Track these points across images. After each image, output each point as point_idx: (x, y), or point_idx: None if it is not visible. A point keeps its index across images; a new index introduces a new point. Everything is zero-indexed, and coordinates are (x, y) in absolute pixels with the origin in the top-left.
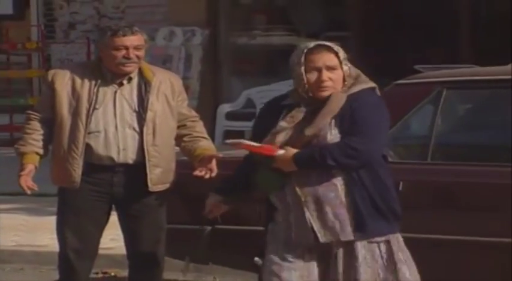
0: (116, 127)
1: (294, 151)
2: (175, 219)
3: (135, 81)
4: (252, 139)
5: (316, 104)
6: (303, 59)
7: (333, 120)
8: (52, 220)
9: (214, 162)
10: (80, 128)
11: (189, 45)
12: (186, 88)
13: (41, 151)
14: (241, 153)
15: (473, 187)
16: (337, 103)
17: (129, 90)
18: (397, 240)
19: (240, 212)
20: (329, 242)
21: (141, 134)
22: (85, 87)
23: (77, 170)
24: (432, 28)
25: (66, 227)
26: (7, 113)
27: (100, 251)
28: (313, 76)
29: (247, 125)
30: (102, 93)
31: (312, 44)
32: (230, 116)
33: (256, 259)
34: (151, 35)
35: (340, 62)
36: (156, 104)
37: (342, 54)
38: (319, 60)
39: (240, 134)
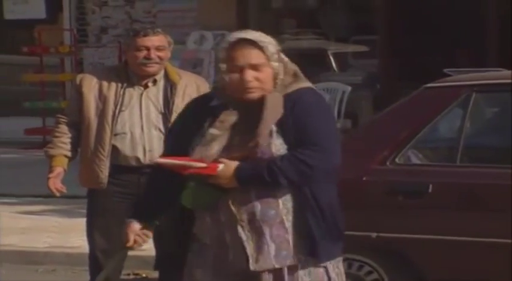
0: (142, 129)
1: (234, 165)
2: None
3: (161, 83)
4: (168, 147)
5: (248, 107)
6: (225, 55)
7: (274, 128)
8: (83, 221)
9: None
10: (106, 130)
11: (219, 50)
12: None
13: (70, 154)
14: None
15: (502, 189)
16: (277, 107)
17: (155, 92)
18: (341, 263)
19: None
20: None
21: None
22: (111, 89)
23: (104, 171)
24: (459, 31)
25: (95, 228)
26: (40, 116)
27: (131, 253)
28: (236, 76)
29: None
30: (129, 96)
31: (233, 38)
32: None
33: None
34: (182, 39)
35: (268, 58)
36: (182, 106)
37: (271, 48)
38: (240, 58)
39: None
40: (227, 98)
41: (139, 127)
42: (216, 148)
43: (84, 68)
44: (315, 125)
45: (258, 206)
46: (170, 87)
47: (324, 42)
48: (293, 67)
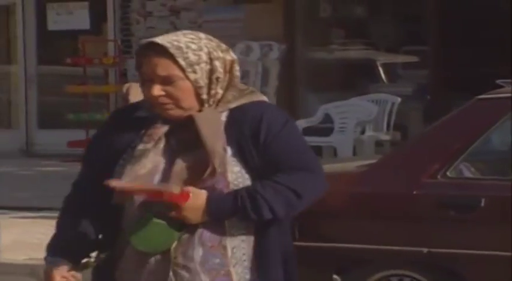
0: None
1: (205, 194)
2: None
3: None
4: (87, 166)
5: (179, 123)
6: (136, 62)
7: (230, 151)
8: None
9: None
10: None
11: (266, 60)
12: None
13: None
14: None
15: None
16: (214, 128)
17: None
18: None
19: (318, 228)
20: None
21: None
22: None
23: None
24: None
25: None
26: (83, 129)
27: None
28: (146, 89)
29: (324, 141)
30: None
31: (143, 41)
32: (307, 131)
33: (334, 276)
34: None
35: (183, 70)
36: None
37: (191, 57)
38: (146, 68)
39: (317, 150)
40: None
41: None
42: (148, 165)
43: (128, 79)
44: (295, 145)
45: (198, 250)
46: None
47: (373, 53)
48: (236, 82)
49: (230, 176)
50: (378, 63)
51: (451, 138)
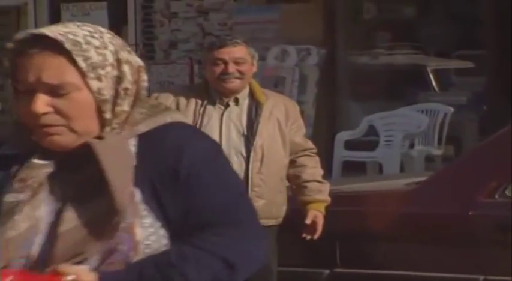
0: None
1: (93, 277)
2: (287, 261)
3: (245, 103)
4: None
5: (64, 156)
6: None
7: (139, 196)
8: None
9: (319, 220)
10: None
11: (303, 66)
12: (301, 113)
13: None
14: (363, 187)
15: None
16: (123, 167)
17: (238, 113)
18: None
19: (361, 253)
20: None
21: (247, 160)
22: (190, 109)
23: None
24: None
25: None
26: None
27: None
28: (23, 104)
29: (368, 156)
30: (208, 116)
31: (23, 34)
32: (349, 145)
33: None
34: (262, 54)
35: (83, 75)
36: (267, 129)
37: (92, 56)
38: (26, 74)
39: (360, 165)
40: (29, 141)
41: None
42: (23, 225)
43: (151, 87)
44: (225, 190)
45: None
46: (255, 107)
47: (422, 58)
48: (144, 94)
49: (139, 233)
50: (429, 70)
51: (509, 154)
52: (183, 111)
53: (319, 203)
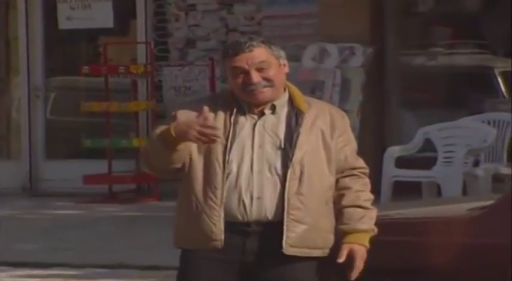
0: (252, 168)
1: None
2: None
3: (284, 111)
4: None
5: None
6: None
7: None
8: None
9: (358, 256)
10: (217, 169)
11: (346, 68)
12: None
13: None
14: (418, 212)
15: None
16: None
17: (275, 123)
18: None
19: None
20: None
21: (283, 178)
22: (219, 119)
23: (218, 224)
24: None
25: None
26: (105, 159)
27: None
28: None
29: (424, 175)
30: (239, 126)
31: None
32: (401, 162)
33: None
34: (296, 54)
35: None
36: (308, 141)
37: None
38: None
39: (415, 187)
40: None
41: (248, 166)
42: None
43: (164, 93)
44: None
45: None
46: (295, 116)
47: (488, 58)
48: None
49: None
50: (496, 72)
51: None
52: (213, 121)
53: (360, 234)
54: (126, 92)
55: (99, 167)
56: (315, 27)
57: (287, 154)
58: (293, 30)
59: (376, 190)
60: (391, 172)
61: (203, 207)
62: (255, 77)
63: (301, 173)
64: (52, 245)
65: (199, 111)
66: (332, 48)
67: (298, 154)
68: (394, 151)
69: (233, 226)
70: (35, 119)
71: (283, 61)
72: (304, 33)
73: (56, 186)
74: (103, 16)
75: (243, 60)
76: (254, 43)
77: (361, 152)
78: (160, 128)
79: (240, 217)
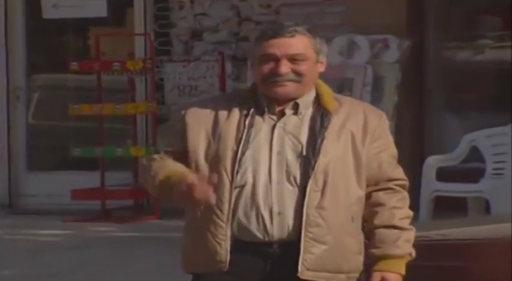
0: (270, 178)
1: None
2: None
3: (309, 111)
4: None
5: None
6: None
7: None
8: None
9: None
10: (224, 180)
11: (379, 64)
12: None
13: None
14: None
15: None
16: None
17: (297, 125)
18: None
19: None
20: None
21: (304, 189)
22: (232, 121)
23: (223, 243)
24: None
25: None
26: (97, 170)
27: None
28: None
29: (471, 189)
30: (256, 129)
31: None
32: (444, 174)
33: None
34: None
35: None
36: (334, 148)
37: None
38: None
39: (459, 203)
40: None
41: (266, 175)
42: None
43: (166, 94)
44: None
45: None
46: (321, 117)
47: None
48: None
49: None
50: None
51: None
52: (223, 124)
53: (394, 261)
54: (121, 92)
55: (90, 180)
56: (342, 16)
57: (309, 161)
58: (316, 20)
59: (414, 206)
60: (431, 186)
61: (208, 224)
62: (284, 67)
63: (325, 184)
64: (36, 272)
65: (212, 111)
66: (362, 40)
67: (321, 162)
68: (435, 161)
69: (252, 246)
70: (15, 124)
71: (322, 58)
72: (330, 23)
73: (40, 202)
74: (95, 3)
75: (278, 46)
76: (299, 29)
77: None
78: (155, 170)
79: (260, 236)
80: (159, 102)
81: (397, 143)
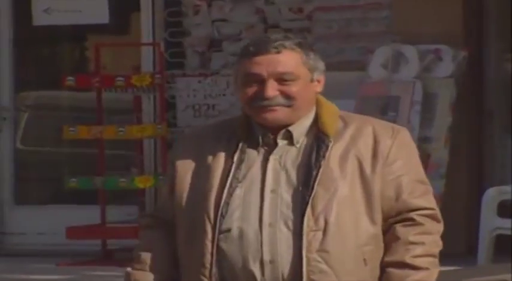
0: (261, 222)
1: None
2: None
3: (305, 139)
4: None
5: None
6: None
7: None
8: None
9: None
10: (206, 227)
11: (430, 79)
12: (425, 156)
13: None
14: None
15: None
16: None
17: (294, 156)
18: None
19: None
20: None
21: (299, 231)
22: (220, 155)
23: None
24: None
25: None
26: (96, 204)
27: None
28: None
29: None
30: (247, 164)
31: None
32: (506, 209)
33: None
34: (361, 59)
35: None
36: (335, 178)
37: None
38: None
39: None
40: None
41: (257, 219)
42: None
43: (178, 114)
44: None
45: None
46: (317, 143)
47: None
48: None
49: None
50: None
51: None
52: (211, 159)
53: None
54: (125, 112)
55: (88, 215)
56: (387, 22)
57: (304, 198)
58: (357, 27)
59: (470, 246)
60: (492, 222)
61: (193, 279)
62: (271, 89)
63: (326, 222)
64: None
65: (199, 145)
66: (411, 51)
67: (320, 198)
68: (496, 194)
69: None
70: (0, 150)
71: (318, 76)
72: (372, 31)
73: (29, 242)
74: (95, 8)
75: (262, 64)
76: (286, 44)
77: (450, 194)
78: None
79: None
80: (170, 125)
81: (452, 172)
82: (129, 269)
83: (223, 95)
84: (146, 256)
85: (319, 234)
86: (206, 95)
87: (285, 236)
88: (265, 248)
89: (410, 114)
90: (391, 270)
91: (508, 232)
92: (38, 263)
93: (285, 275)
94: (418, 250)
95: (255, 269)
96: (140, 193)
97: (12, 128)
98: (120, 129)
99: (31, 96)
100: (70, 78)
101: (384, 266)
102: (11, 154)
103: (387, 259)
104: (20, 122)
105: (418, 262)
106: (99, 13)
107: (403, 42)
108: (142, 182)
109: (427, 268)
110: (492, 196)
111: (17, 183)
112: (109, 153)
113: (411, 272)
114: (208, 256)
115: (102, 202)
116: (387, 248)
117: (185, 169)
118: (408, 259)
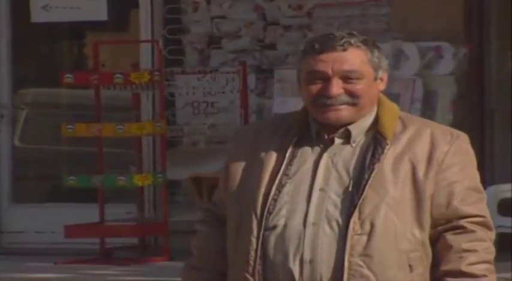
0: (305, 220)
1: None
2: None
3: (362, 138)
4: None
5: None
6: None
7: None
8: None
9: None
10: (252, 224)
11: (430, 76)
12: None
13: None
14: None
15: None
16: None
17: (348, 155)
18: None
19: None
20: None
21: (344, 233)
22: (272, 150)
23: None
24: None
25: None
26: (95, 202)
27: None
28: None
29: None
30: (300, 161)
31: None
32: (508, 206)
33: None
34: None
35: None
36: (387, 182)
37: None
38: None
39: None
40: None
41: (301, 216)
42: None
43: (177, 111)
44: None
45: None
46: (374, 145)
47: None
48: None
49: None
50: None
51: None
52: (264, 154)
53: None
54: (124, 110)
55: (87, 214)
56: (388, 19)
57: (353, 199)
58: (357, 24)
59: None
60: (493, 221)
61: (238, 277)
62: (336, 87)
63: (372, 226)
64: None
65: (254, 140)
66: (411, 48)
67: (370, 199)
68: (497, 192)
69: None
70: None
71: (382, 74)
72: (373, 28)
73: (27, 240)
74: (93, 5)
75: (328, 62)
76: (352, 41)
77: None
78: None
79: None
80: (169, 122)
81: None
82: (184, 266)
83: (223, 92)
84: (199, 253)
85: (364, 238)
86: (205, 93)
87: (327, 237)
88: (306, 247)
89: (411, 112)
90: (448, 280)
91: (508, 230)
92: (36, 262)
93: (324, 277)
94: (473, 258)
95: (294, 267)
96: (139, 191)
97: (10, 125)
98: (119, 127)
99: (29, 94)
100: (68, 75)
101: (440, 276)
102: (9, 152)
103: (442, 268)
104: (18, 119)
105: (474, 269)
106: (98, 10)
107: (403, 40)
108: (141, 180)
109: (484, 275)
110: (492, 194)
111: (15, 181)
112: (108, 151)
113: (470, 280)
114: (252, 253)
115: (100, 200)
116: (440, 258)
117: (239, 163)
118: (464, 268)
